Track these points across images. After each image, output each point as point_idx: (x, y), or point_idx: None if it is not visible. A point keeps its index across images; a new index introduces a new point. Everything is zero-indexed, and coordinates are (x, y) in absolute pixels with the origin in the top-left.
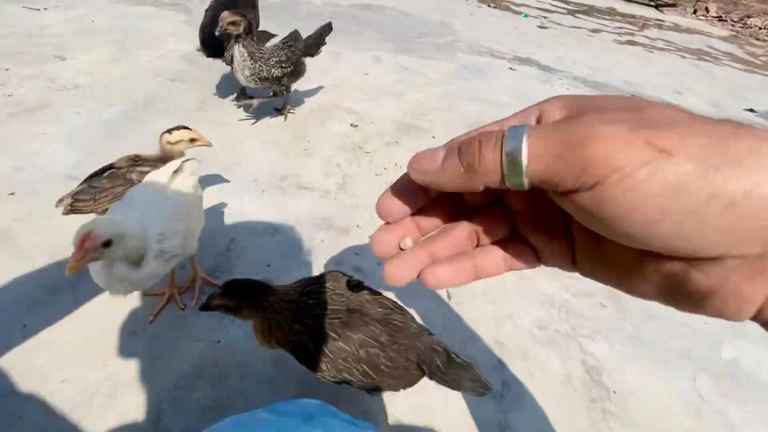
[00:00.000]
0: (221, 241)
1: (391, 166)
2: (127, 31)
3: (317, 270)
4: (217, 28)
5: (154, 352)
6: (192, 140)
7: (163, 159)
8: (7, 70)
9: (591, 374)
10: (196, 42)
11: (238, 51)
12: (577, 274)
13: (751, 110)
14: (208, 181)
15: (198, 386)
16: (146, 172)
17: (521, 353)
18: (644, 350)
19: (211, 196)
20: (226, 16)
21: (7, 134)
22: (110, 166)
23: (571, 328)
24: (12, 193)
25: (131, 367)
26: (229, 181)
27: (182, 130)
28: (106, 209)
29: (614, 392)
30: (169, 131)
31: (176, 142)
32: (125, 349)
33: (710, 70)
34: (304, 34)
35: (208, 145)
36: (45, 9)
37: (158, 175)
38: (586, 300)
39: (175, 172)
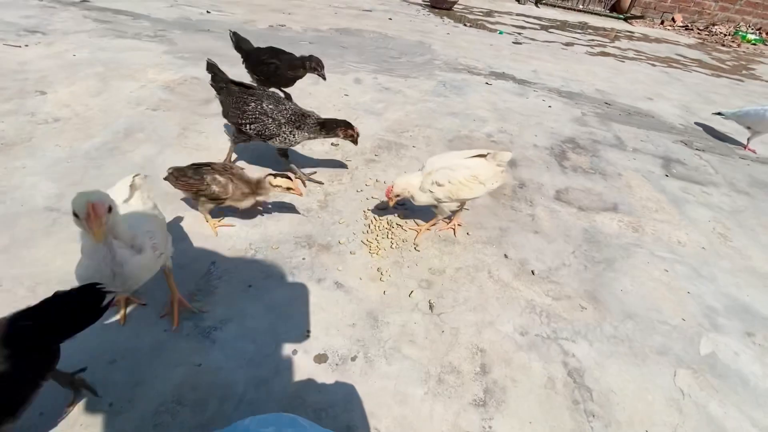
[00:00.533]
0: (202, 264)
1: (372, 182)
2: (109, 63)
3: (299, 288)
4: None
5: (134, 379)
6: (288, 189)
7: (241, 178)
8: None
9: (573, 376)
10: (179, 71)
11: (302, 138)
12: (556, 278)
13: (719, 113)
14: (189, 203)
15: (179, 411)
16: (217, 181)
17: (503, 359)
18: (624, 349)
19: (192, 220)
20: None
21: None
22: (209, 164)
23: (552, 332)
24: None
25: (111, 395)
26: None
27: (285, 179)
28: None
29: (595, 392)
30: (274, 175)
31: (275, 186)
32: (105, 378)
33: (680, 77)
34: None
35: (300, 195)
36: (26, 46)
37: (119, 190)
38: (566, 302)
39: (131, 186)
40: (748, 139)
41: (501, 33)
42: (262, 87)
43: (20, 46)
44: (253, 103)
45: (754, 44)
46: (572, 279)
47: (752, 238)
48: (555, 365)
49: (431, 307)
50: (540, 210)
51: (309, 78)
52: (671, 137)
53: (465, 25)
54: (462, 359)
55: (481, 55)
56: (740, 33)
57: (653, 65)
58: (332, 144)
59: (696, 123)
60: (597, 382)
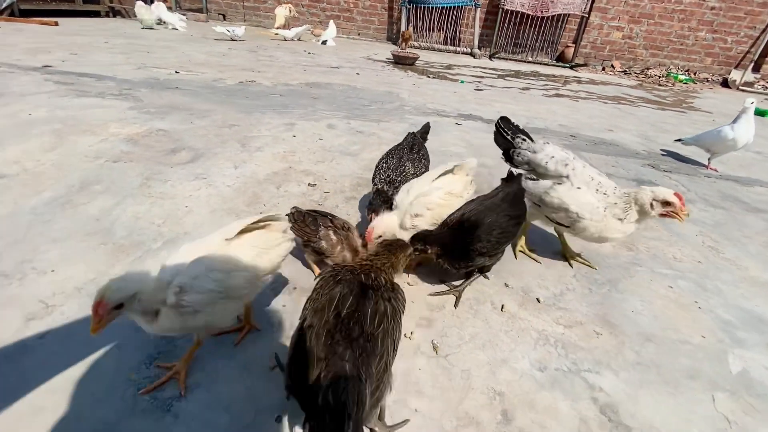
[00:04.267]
0: None
1: (353, 220)
2: (67, 120)
3: (280, 340)
4: None
5: None
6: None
7: (351, 245)
8: None
9: (606, 414)
10: (145, 124)
11: None
12: (563, 304)
13: (680, 140)
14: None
15: None
16: (329, 238)
17: (525, 402)
18: (652, 376)
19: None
20: None
21: None
22: (331, 218)
23: (573, 364)
24: None
25: None
26: None
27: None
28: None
29: (636, 431)
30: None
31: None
32: None
33: (631, 111)
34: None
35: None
36: None
37: (220, 234)
38: (579, 329)
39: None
40: (709, 159)
41: (462, 82)
42: None
43: None
44: None
45: (685, 83)
46: (580, 303)
47: (742, 249)
48: (584, 403)
49: (435, 348)
50: (532, 235)
51: (282, 125)
52: (638, 161)
53: (428, 77)
54: (479, 407)
55: (448, 101)
56: (672, 74)
57: (605, 103)
58: (309, 184)
59: (658, 149)
60: (634, 418)
